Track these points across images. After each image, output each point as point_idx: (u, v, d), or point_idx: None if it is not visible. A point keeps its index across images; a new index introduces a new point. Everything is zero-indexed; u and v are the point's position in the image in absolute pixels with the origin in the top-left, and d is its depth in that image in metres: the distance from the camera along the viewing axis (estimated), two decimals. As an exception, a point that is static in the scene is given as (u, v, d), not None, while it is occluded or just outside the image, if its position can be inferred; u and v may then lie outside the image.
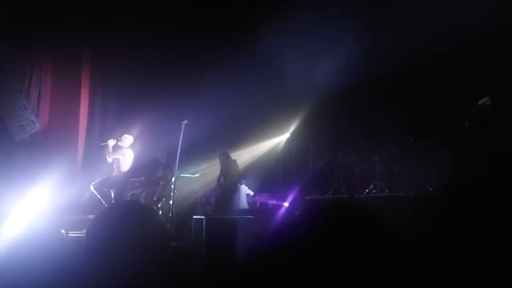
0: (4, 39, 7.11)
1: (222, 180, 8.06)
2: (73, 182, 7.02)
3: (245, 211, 7.22)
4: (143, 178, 8.26)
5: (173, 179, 7.14)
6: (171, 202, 6.81)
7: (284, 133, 10.66)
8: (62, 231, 5.75)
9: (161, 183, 8.25)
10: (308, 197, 8.05)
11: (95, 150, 8.10)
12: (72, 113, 8.40)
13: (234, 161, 8.29)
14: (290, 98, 9.31)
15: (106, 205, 6.82)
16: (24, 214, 5.47)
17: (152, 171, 8.63)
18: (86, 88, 8.80)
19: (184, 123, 6.76)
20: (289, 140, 10.65)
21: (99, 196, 6.82)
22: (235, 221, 5.07)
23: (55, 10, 7.56)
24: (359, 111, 9.01)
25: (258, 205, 9.67)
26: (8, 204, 5.38)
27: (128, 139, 7.41)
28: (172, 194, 6.84)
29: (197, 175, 9.13)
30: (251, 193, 9.31)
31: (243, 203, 8.77)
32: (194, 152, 8.68)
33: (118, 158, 7.15)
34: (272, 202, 9.69)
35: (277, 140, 10.75)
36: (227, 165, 8.09)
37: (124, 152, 7.16)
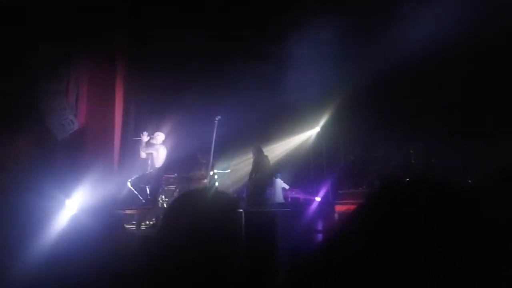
0: (44, 43, 7.29)
1: (254, 174, 8.03)
2: (111, 179, 7.11)
3: (281, 205, 7.11)
4: (176, 174, 8.38)
5: (215, 176, 7.17)
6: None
7: (314, 127, 10.57)
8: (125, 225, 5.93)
9: (204, 180, 8.30)
10: (341, 191, 7.92)
11: (130, 146, 8.22)
12: (108, 112, 8.51)
13: (266, 156, 8.26)
14: (321, 91, 9.19)
15: (143, 200, 6.95)
16: (72, 210, 5.64)
17: (186, 168, 8.73)
18: (121, 88, 8.91)
19: (217, 119, 6.76)
20: (319, 135, 10.56)
21: (136, 192, 6.92)
22: (274, 214, 5.14)
23: (93, 13, 7.70)
24: (392, 102, 8.77)
25: (289, 200, 9.60)
26: (60, 201, 5.52)
27: (160, 136, 7.48)
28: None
29: (229, 170, 9.16)
30: (287, 186, 9.23)
31: (279, 196, 8.68)
32: (226, 148, 8.72)
33: (151, 154, 7.22)
34: (303, 197, 9.58)
35: (307, 135, 10.67)
36: (259, 160, 8.06)
37: (157, 148, 7.21)
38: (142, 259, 1.37)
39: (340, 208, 7.08)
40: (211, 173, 7.33)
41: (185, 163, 8.73)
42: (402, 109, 8.54)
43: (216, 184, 7.10)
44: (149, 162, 7.30)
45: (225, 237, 1.24)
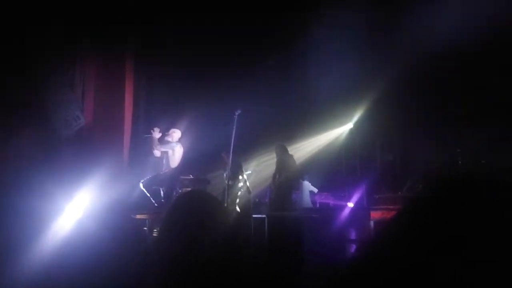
0: (49, 31, 7.35)
1: (277, 176, 7.92)
2: (120, 179, 7.14)
3: (309, 210, 6.99)
4: (191, 176, 8.33)
5: (242, 177, 7.34)
6: (237, 203, 6.84)
7: (346, 123, 10.38)
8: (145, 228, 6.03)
9: (229, 182, 8.23)
10: (377, 196, 7.74)
11: (141, 144, 8.30)
12: (117, 107, 8.58)
13: (291, 155, 8.16)
14: (354, 83, 9.04)
15: (156, 204, 6.92)
16: (74, 213, 5.64)
17: (203, 169, 8.77)
18: (131, 81, 8.96)
19: (237, 113, 6.68)
20: (352, 132, 10.37)
21: (148, 195, 6.97)
22: (301, 220, 5.14)
23: (100, 3, 7.75)
24: (437, 96, 8.52)
25: (318, 205, 9.48)
26: (60, 202, 5.53)
27: (176, 134, 7.53)
28: (238, 194, 6.88)
29: (249, 172, 8.96)
30: (315, 190, 9.11)
31: (306, 201, 8.58)
32: (246, 146, 8.67)
33: (166, 153, 7.26)
34: (334, 202, 9.41)
35: (338, 132, 10.49)
36: (284, 160, 7.97)
37: (173, 146, 7.23)
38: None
39: (376, 215, 6.92)
40: (240, 177, 7.33)
41: (202, 163, 8.77)
42: (448, 104, 8.27)
43: (241, 188, 7.10)
44: (164, 161, 7.34)
45: (233, 247, 1.31)
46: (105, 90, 8.45)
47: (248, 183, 7.02)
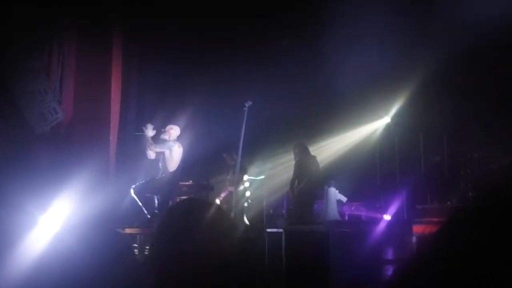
0: (18, 6, 7.37)
1: (297, 182, 7.90)
2: (106, 186, 7.14)
3: (336, 223, 7.06)
4: (191, 181, 8.40)
5: (248, 184, 7.40)
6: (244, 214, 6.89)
7: (381, 117, 10.29)
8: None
9: (231, 189, 8.31)
10: (421, 206, 7.74)
11: (132, 143, 8.37)
12: (102, 98, 8.59)
13: (313, 157, 8.13)
14: (391, 69, 8.95)
15: (149, 216, 6.92)
16: (49, 227, 5.66)
17: (205, 173, 8.84)
18: (119, 67, 8.98)
19: (247, 105, 6.68)
20: (389, 127, 10.29)
21: (140, 204, 6.97)
22: (326, 236, 5.03)
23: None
24: (492, 83, 8.44)
25: (347, 217, 9.48)
26: (32, 215, 5.58)
27: (174, 130, 7.53)
28: (245, 204, 6.89)
29: (262, 176, 9.08)
30: (344, 199, 9.09)
31: (333, 212, 8.56)
32: (258, 145, 8.67)
33: (163, 154, 7.26)
34: (367, 213, 9.42)
35: (372, 128, 10.42)
36: (304, 162, 7.94)
37: (171, 145, 7.23)
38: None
39: (419, 229, 6.89)
40: (244, 179, 7.38)
41: (205, 166, 8.84)
42: (509, 91, 8.15)
43: (248, 194, 7.16)
44: (160, 164, 7.37)
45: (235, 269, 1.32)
46: (87, 78, 8.43)
47: (248, 192, 7.03)
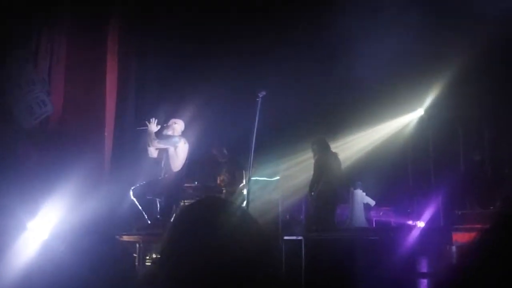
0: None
1: (317, 184, 7.93)
2: (100, 187, 7.21)
3: (363, 230, 7.12)
4: (196, 183, 8.49)
5: (243, 186, 7.42)
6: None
7: (415, 109, 10.24)
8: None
9: (223, 190, 8.44)
10: (460, 212, 7.66)
11: (130, 140, 8.40)
12: (96, 90, 8.69)
13: (335, 154, 8.18)
14: (425, 52, 8.87)
15: (149, 221, 6.98)
16: (37, 233, 5.72)
17: (209, 174, 8.91)
18: (115, 54, 9.07)
19: (260, 95, 6.61)
20: (423, 120, 10.23)
21: (140, 208, 7.00)
22: (352, 244, 5.18)
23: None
24: None
25: (375, 223, 9.47)
26: (20, 220, 5.67)
27: (178, 125, 7.56)
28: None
29: (277, 178, 9.04)
30: (372, 202, 9.07)
31: (359, 217, 8.56)
32: (274, 142, 8.64)
33: (166, 151, 7.30)
34: (396, 220, 9.36)
35: (403, 121, 10.37)
36: (324, 160, 7.97)
37: (175, 142, 7.26)
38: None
39: (459, 237, 6.79)
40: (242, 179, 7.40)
41: (211, 166, 8.90)
42: None
43: (245, 195, 7.06)
44: (163, 163, 7.40)
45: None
46: (79, 68, 8.47)
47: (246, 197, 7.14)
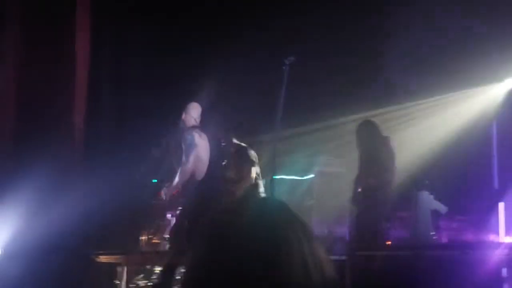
0: None
1: (364, 183, 8.06)
2: (68, 192, 7.21)
3: (431, 245, 7.36)
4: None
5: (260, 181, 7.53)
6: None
7: (501, 79, 10.05)
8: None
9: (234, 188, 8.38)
10: None
11: (108, 124, 8.67)
12: (62, 63, 8.80)
13: (386, 138, 8.20)
14: None
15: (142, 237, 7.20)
16: None
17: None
18: (87, 19, 9.25)
19: (288, 62, 6.63)
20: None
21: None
22: (416, 263, 5.33)
23: None
24: None
25: (445, 239, 9.25)
26: None
27: (194, 109, 7.89)
28: None
29: (312, 175, 9.17)
30: (443, 209, 8.90)
31: (425, 228, 8.42)
32: (305, 127, 8.87)
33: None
34: (475, 233, 9.26)
35: (484, 98, 10.20)
36: (374, 150, 8.04)
37: (193, 136, 7.60)
38: None
39: None
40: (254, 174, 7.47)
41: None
42: None
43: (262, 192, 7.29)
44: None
45: None
46: (39, 33, 8.73)
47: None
